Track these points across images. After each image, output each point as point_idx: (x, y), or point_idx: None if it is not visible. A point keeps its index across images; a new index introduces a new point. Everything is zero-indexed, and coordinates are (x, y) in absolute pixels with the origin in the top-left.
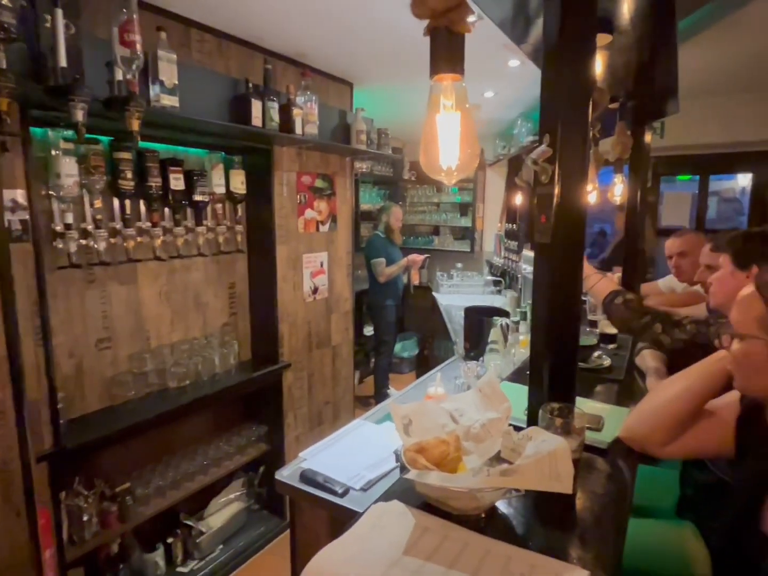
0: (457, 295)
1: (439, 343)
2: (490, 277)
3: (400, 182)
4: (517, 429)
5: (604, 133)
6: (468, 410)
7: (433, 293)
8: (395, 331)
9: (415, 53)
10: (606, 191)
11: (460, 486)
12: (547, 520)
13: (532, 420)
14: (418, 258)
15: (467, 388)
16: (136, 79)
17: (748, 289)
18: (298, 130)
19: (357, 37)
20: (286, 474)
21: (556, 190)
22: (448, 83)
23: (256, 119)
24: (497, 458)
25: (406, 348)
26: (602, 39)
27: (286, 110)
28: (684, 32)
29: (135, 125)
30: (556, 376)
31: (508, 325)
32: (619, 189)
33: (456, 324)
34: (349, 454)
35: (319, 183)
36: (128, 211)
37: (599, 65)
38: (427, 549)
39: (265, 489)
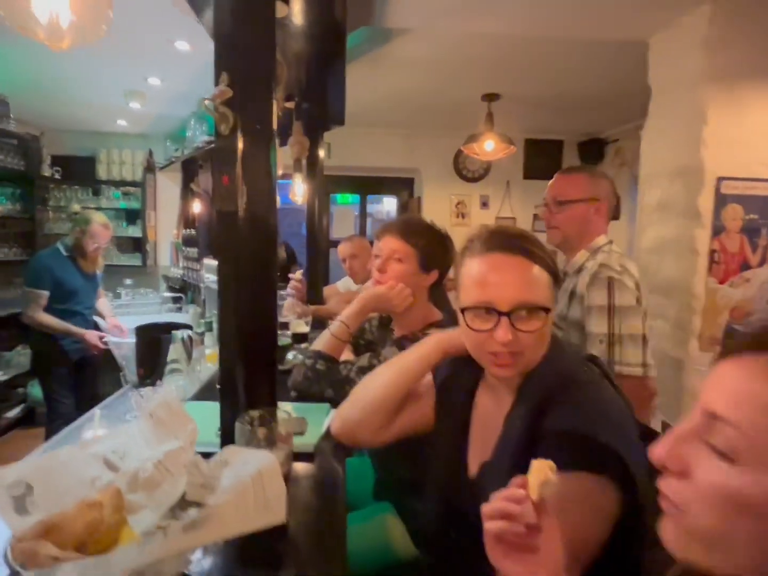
0: (127, 317)
1: (105, 378)
2: (168, 294)
3: (37, 179)
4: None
5: (283, 139)
6: (133, 448)
7: (94, 318)
8: (73, 388)
9: None
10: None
11: (118, 572)
12: (256, 559)
13: (227, 439)
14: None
15: None
16: None
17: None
18: None
19: None
20: None
21: (240, 144)
22: None
23: None
24: (184, 504)
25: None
26: (280, 9)
27: None
28: None
29: None
30: (253, 380)
31: (191, 338)
32: (300, 188)
33: (127, 350)
34: None
35: None
36: None
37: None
38: None
39: None
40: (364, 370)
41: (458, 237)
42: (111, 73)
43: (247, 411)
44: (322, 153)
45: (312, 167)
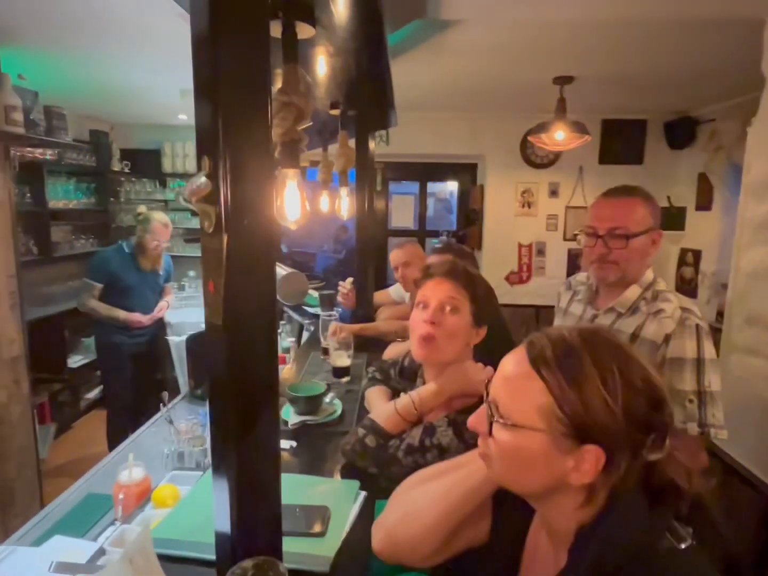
0: (191, 309)
1: (165, 369)
2: None
3: (108, 174)
4: (207, 564)
5: (332, 138)
6: None
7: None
8: (128, 382)
9: None
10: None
11: None
12: None
13: (221, 560)
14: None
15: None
16: None
17: (521, 367)
18: None
19: None
20: None
21: (226, 243)
22: None
23: None
24: None
25: None
26: (304, 30)
27: None
28: (395, 47)
29: None
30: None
31: None
32: (345, 203)
33: (183, 351)
34: None
35: None
36: None
37: (318, 68)
38: None
39: None
40: (412, 450)
41: (523, 228)
42: (164, 73)
43: (240, 564)
44: (372, 145)
45: (362, 171)
